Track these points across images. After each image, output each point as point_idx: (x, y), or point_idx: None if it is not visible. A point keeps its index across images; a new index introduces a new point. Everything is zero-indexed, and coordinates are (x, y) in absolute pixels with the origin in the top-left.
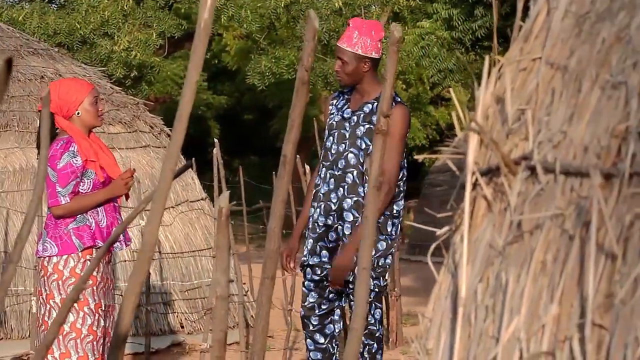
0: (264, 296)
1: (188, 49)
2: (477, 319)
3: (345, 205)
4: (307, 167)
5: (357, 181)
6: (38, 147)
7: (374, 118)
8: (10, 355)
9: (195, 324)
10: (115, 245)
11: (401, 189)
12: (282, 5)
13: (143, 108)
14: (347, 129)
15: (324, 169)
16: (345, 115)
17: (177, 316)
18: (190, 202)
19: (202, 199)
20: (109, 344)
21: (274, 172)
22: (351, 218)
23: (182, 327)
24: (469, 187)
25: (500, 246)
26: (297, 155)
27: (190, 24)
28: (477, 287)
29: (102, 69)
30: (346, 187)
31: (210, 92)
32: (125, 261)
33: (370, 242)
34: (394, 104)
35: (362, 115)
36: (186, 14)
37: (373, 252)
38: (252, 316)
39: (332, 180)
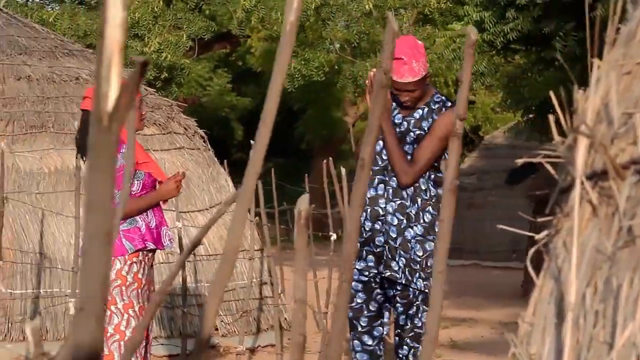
0: (342, 300)
1: (216, 51)
2: (587, 324)
3: (390, 209)
4: (343, 170)
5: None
6: (78, 147)
7: (424, 124)
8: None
9: (230, 327)
10: (165, 244)
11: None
12: (312, 7)
13: (177, 110)
14: (397, 134)
15: (372, 173)
16: (396, 121)
17: None
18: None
19: (236, 202)
20: (148, 347)
21: (307, 175)
22: (396, 222)
23: (217, 329)
24: (577, 191)
25: (609, 251)
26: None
27: (219, 26)
28: (585, 292)
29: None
30: (390, 190)
31: (234, 94)
32: (161, 263)
33: (446, 244)
34: (444, 108)
35: (412, 121)
36: (213, 15)
37: (421, 253)
38: (285, 319)
39: (382, 185)
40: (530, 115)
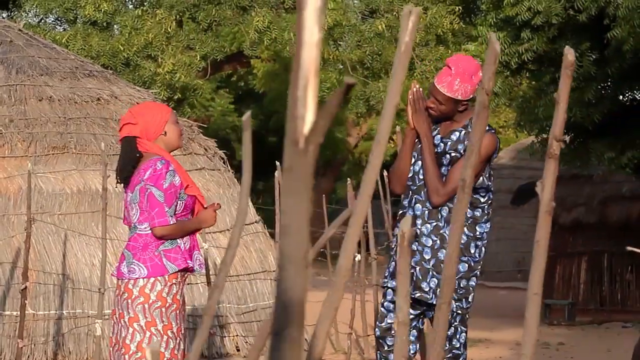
0: (441, 320)
1: (227, 71)
2: None
3: (425, 230)
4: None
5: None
6: (117, 172)
7: (460, 146)
8: None
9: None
10: (195, 268)
11: (485, 211)
12: (325, 27)
13: (197, 130)
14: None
15: (410, 192)
16: (435, 142)
17: (232, 339)
18: (245, 225)
19: (255, 222)
20: None
21: (324, 195)
22: (430, 243)
23: (238, 349)
24: None
25: None
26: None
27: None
28: None
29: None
30: (427, 212)
31: (236, 114)
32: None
33: (542, 266)
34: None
35: (449, 142)
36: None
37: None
38: (306, 339)
39: (418, 205)
40: (544, 136)
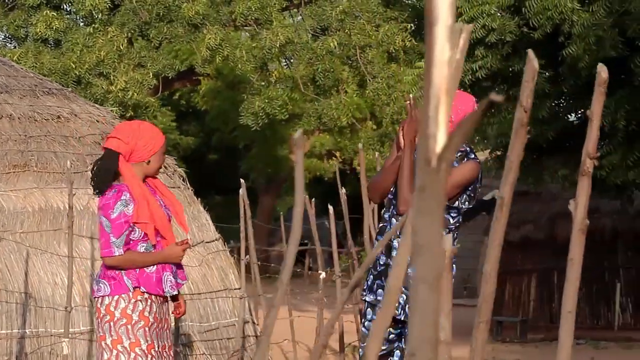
0: (479, 340)
1: (177, 88)
2: None
3: (396, 244)
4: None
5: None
6: (92, 180)
7: None
8: None
9: None
10: (165, 290)
11: (453, 232)
12: (277, 45)
13: None
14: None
15: (392, 207)
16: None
17: (195, 358)
18: (206, 242)
19: (216, 240)
20: None
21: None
22: None
23: None
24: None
25: None
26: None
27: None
28: None
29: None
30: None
31: (177, 132)
32: None
33: (576, 284)
34: (466, 158)
35: None
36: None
37: None
38: (270, 358)
39: (394, 220)
40: (498, 153)
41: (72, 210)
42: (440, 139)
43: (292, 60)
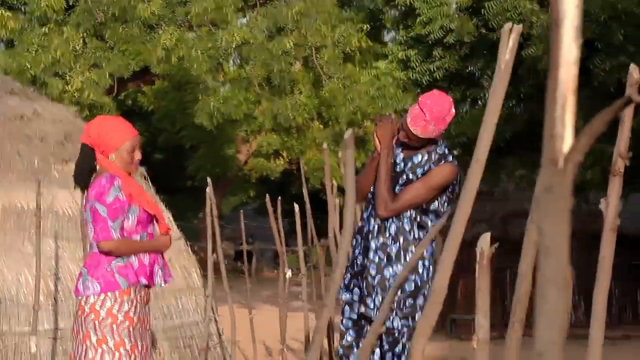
0: (513, 340)
1: (131, 89)
2: None
3: (373, 246)
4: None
5: (385, 224)
6: (75, 176)
7: (419, 170)
8: None
9: None
10: (156, 281)
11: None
12: (233, 46)
13: None
14: (398, 170)
15: (371, 207)
16: (397, 160)
17: (159, 355)
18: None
19: (178, 239)
20: None
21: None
22: (377, 259)
23: None
24: None
25: None
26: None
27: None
28: None
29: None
30: (376, 227)
31: None
32: None
33: (606, 284)
34: (443, 160)
35: (409, 164)
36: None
37: (399, 292)
38: (230, 356)
39: (372, 220)
40: (455, 152)
41: (39, 209)
42: (567, 139)
43: (248, 61)
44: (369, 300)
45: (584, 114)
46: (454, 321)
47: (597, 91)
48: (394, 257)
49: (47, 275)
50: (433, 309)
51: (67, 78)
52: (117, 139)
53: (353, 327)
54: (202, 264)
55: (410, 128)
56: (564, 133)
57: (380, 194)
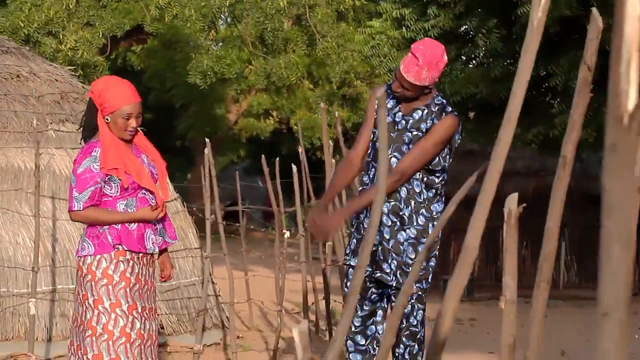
0: (540, 300)
1: (124, 48)
2: None
3: (385, 209)
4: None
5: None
6: (83, 134)
7: (423, 126)
8: None
9: (175, 325)
10: (148, 247)
11: (439, 192)
12: (227, 4)
13: None
14: (394, 132)
15: (372, 169)
16: (396, 119)
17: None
18: (166, 202)
19: (175, 199)
20: (152, 347)
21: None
22: (389, 223)
23: (162, 327)
24: None
25: None
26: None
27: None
28: None
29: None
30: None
31: None
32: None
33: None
34: (444, 112)
35: (411, 121)
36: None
37: (413, 256)
38: (227, 317)
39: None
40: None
41: (38, 169)
42: (632, 96)
43: (241, 20)
44: (384, 266)
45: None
46: (447, 282)
47: None
48: (407, 220)
49: (44, 236)
50: (463, 270)
51: (61, 37)
52: (115, 101)
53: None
54: (196, 225)
55: (404, 74)
56: (629, 90)
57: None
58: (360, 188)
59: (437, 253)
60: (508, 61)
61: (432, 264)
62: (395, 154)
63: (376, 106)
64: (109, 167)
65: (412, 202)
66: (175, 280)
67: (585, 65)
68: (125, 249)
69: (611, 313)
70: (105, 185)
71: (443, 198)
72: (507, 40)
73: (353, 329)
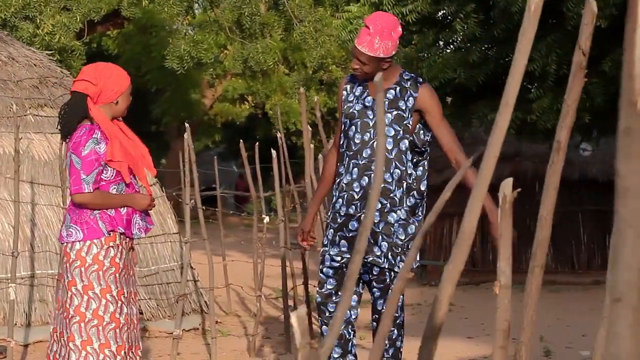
0: (534, 285)
1: (100, 32)
2: None
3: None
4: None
5: (385, 168)
6: (61, 125)
7: (401, 104)
8: None
9: (155, 311)
10: (134, 232)
11: (425, 167)
12: None
13: None
14: (371, 117)
15: (347, 158)
16: (367, 104)
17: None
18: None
19: (153, 184)
20: (136, 331)
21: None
22: (379, 206)
23: (141, 312)
24: None
25: None
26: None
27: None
28: None
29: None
30: (372, 175)
31: None
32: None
33: None
34: (418, 84)
35: (386, 102)
36: None
37: (403, 237)
38: (205, 302)
39: (356, 169)
40: None
41: (18, 154)
42: None
43: (218, 5)
44: (375, 249)
45: (557, 58)
46: (424, 267)
47: (569, 34)
48: (397, 201)
49: (23, 221)
50: (461, 253)
51: (38, 21)
52: (121, 81)
53: (333, 275)
54: (174, 210)
55: (357, 47)
56: None
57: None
58: (337, 180)
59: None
60: (486, 46)
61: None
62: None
63: (343, 97)
64: (116, 160)
65: (404, 184)
66: (154, 265)
67: (580, 50)
68: (122, 231)
69: (625, 299)
70: (102, 169)
71: (427, 174)
72: (485, 25)
73: (328, 314)
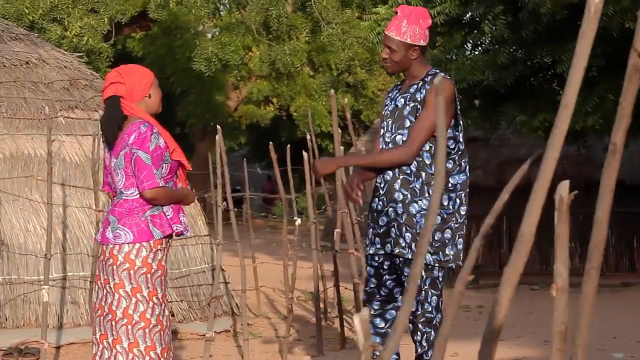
0: (590, 287)
1: (127, 35)
2: None
3: (396, 186)
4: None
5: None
6: (103, 132)
7: (418, 95)
8: (7, 345)
9: (186, 313)
10: (181, 230)
11: (457, 162)
12: None
13: None
14: (395, 115)
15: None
16: (398, 104)
17: (167, 304)
18: None
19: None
20: (169, 333)
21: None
22: (401, 197)
23: (173, 314)
24: None
25: None
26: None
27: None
28: None
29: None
30: (396, 168)
31: None
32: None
33: None
34: (435, 77)
35: (408, 96)
36: None
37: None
38: (237, 304)
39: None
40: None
41: (51, 156)
42: None
43: (246, 6)
44: (400, 240)
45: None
46: (452, 270)
47: (598, 36)
48: (418, 192)
49: (55, 223)
50: (520, 256)
51: (66, 23)
52: (147, 78)
53: (374, 274)
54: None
55: (386, 33)
56: None
57: (389, 160)
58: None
59: (452, 225)
60: (514, 48)
61: (447, 235)
62: (399, 130)
63: (384, 104)
64: (172, 149)
65: (423, 174)
66: (185, 267)
67: (635, 52)
68: (175, 230)
69: None
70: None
71: (466, 169)
72: (513, 26)
73: (372, 312)
